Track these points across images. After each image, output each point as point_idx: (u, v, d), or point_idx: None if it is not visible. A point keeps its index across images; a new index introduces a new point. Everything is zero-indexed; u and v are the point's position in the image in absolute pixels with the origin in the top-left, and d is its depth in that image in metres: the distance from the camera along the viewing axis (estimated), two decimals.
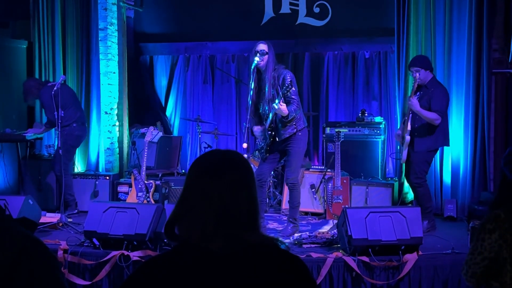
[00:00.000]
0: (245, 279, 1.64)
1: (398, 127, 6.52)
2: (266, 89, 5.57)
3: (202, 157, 1.81)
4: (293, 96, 5.52)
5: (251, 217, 1.72)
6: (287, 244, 1.81)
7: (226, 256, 1.66)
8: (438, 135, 5.81)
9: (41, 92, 6.71)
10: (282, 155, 5.86)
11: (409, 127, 5.83)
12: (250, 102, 5.55)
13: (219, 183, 1.70)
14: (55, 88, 6.33)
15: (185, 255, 1.69)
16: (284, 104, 5.41)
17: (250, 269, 1.66)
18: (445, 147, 6.73)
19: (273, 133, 5.68)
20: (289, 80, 5.46)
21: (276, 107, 5.38)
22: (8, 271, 1.49)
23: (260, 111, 5.74)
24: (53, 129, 7.31)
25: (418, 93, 5.89)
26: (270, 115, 5.60)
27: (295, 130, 5.67)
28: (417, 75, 5.81)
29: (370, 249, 4.71)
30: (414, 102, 5.73)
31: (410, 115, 5.83)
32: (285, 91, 5.36)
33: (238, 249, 1.68)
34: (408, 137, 5.81)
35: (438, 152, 6.43)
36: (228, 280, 1.64)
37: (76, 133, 6.86)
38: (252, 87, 5.57)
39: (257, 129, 5.79)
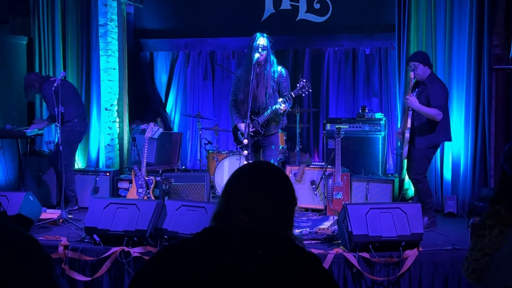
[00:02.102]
0: (257, 272, 1.66)
1: (399, 126, 6.52)
2: (267, 83, 5.58)
3: (244, 168, 1.94)
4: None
5: (285, 224, 1.84)
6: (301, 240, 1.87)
7: (242, 247, 1.70)
8: (440, 130, 5.80)
9: (43, 86, 6.70)
10: (259, 152, 5.91)
11: (409, 124, 5.82)
12: (251, 96, 5.52)
13: (257, 196, 1.80)
14: (55, 84, 6.32)
15: (202, 244, 1.75)
16: (284, 105, 5.50)
17: (264, 262, 1.68)
18: (445, 143, 6.72)
19: (263, 127, 5.71)
20: (289, 83, 5.64)
21: (281, 106, 5.45)
22: (0, 270, 1.48)
23: (258, 104, 5.70)
24: (54, 125, 7.32)
25: (416, 89, 5.89)
26: (268, 111, 5.59)
27: (281, 126, 5.78)
28: (412, 74, 5.82)
29: (370, 245, 4.71)
30: (413, 100, 5.72)
31: (410, 112, 5.83)
32: (299, 92, 5.45)
33: (255, 242, 1.71)
34: (407, 135, 5.81)
35: (438, 148, 6.43)
36: (240, 270, 1.67)
37: (78, 128, 6.86)
38: (253, 82, 5.55)
39: (242, 125, 5.77)
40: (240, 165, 1.97)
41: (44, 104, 7.91)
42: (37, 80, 6.83)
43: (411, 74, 5.85)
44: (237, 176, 1.89)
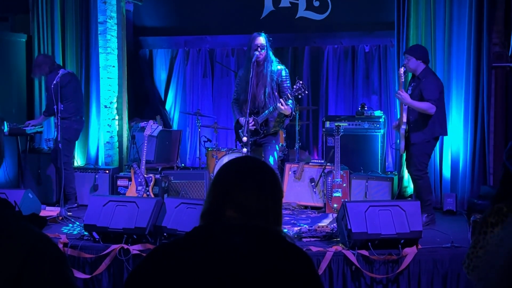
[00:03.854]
0: (249, 269, 1.66)
1: (397, 119, 6.52)
2: (265, 83, 5.56)
3: (230, 163, 1.91)
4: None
5: (275, 218, 1.83)
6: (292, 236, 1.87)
7: (233, 244, 1.69)
8: (434, 124, 5.80)
9: (49, 76, 6.69)
10: (259, 149, 5.89)
11: (404, 119, 5.84)
12: (250, 95, 5.52)
13: (246, 191, 1.79)
14: (54, 82, 6.33)
15: (194, 243, 1.73)
16: (287, 105, 5.45)
17: (255, 259, 1.68)
18: (444, 141, 6.73)
19: (263, 127, 5.69)
20: (289, 81, 5.58)
21: (282, 107, 5.41)
22: (17, 271, 1.47)
23: (257, 103, 5.69)
24: (53, 123, 7.32)
25: (412, 83, 5.91)
26: (267, 111, 5.57)
27: (282, 125, 5.77)
28: (402, 70, 5.82)
29: (369, 243, 4.71)
30: (404, 95, 5.74)
31: (405, 106, 5.85)
32: (295, 93, 5.42)
33: (245, 239, 1.71)
34: (403, 129, 5.83)
35: (437, 145, 6.42)
36: (232, 268, 1.66)
37: (75, 126, 6.86)
38: (253, 81, 5.54)
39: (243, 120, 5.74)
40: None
41: (43, 101, 7.92)
42: (48, 64, 6.81)
43: (401, 70, 5.85)
44: (223, 173, 1.87)
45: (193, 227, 1.79)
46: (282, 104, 5.42)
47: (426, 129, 5.80)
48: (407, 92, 5.90)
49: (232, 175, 1.84)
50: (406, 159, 6.12)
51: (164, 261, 1.72)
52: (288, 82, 5.63)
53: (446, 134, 6.08)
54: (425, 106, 5.69)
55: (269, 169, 1.91)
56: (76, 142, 7.17)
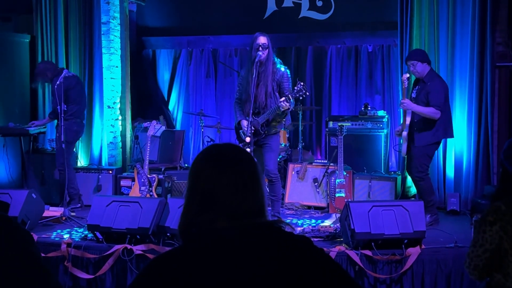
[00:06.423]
0: (255, 264, 1.64)
1: (400, 124, 6.51)
2: (267, 82, 5.56)
3: (204, 152, 1.85)
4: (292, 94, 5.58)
5: (259, 207, 1.74)
6: (292, 225, 1.78)
7: (234, 242, 1.66)
8: (438, 128, 5.79)
9: (53, 81, 6.70)
10: (259, 149, 5.88)
11: (407, 122, 5.83)
12: (253, 95, 5.51)
13: (223, 175, 1.72)
14: (57, 82, 6.34)
15: (196, 248, 1.68)
16: (288, 103, 5.45)
17: (259, 254, 1.65)
18: (448, 141, 6.71)
19: (264, 127, 5.69)
20: (289, 83, 5.58)
21: (284, 105, 5.41)
22: None
23: (258, 104, 5.67)
24: (55, 124, 7.33)
25: (417, 87, 5.90)
26: (268, 111, 5.56)
27: (283, 127, 5.78)
28: (405, 76, 5.82)
29: (373, 243, 4.71)
30: (408, 103, 5.74)
31: (409, 110, 5.84)
32: (296, 95, 5.42)
33: (246, 235, 1.68)
34: (405, 133, 5.82)
35: (441, 145, 6.41)
36: (238, 265, 1.63)
37: (75, 128, 6.84)
38: (254, 81, 5.53)
39: (244, 122, 5.70)
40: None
41: (46, 101, 7.94)
42: (51, 70, 6.82)
43: (404, 77, 5.86)
44: (206, 173, 1.75)
45: (188, 237, 1.72)
46: (284, 101, 5.41)
47: (430, 133, 5.79)
48: (411, 95, 5.90)
49: (220, 178, 1.72)
50: (407, 161, 6.11)
51: (168, 271, 1.65)
52: (289, 83, 5.62)
53: (451, 136, 6.06)
54: (430, 112, 5.68)
55: (249, 157, 1.81)
56: (79, 143, 7.19)
